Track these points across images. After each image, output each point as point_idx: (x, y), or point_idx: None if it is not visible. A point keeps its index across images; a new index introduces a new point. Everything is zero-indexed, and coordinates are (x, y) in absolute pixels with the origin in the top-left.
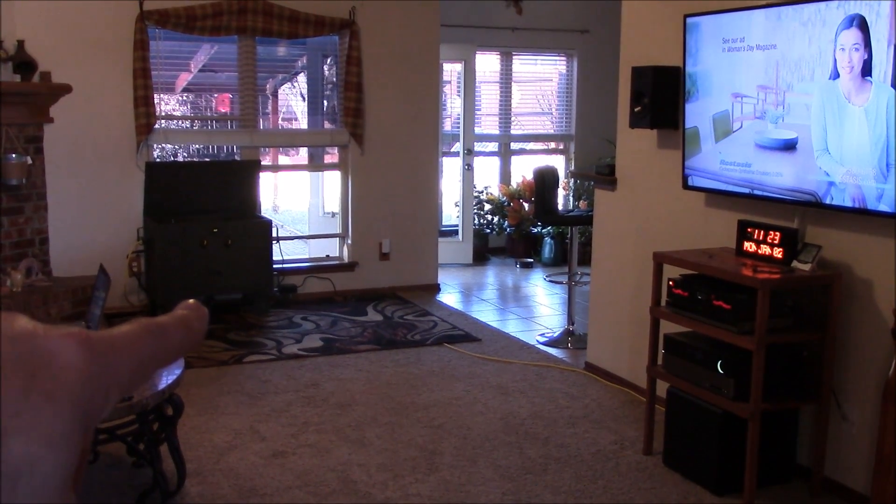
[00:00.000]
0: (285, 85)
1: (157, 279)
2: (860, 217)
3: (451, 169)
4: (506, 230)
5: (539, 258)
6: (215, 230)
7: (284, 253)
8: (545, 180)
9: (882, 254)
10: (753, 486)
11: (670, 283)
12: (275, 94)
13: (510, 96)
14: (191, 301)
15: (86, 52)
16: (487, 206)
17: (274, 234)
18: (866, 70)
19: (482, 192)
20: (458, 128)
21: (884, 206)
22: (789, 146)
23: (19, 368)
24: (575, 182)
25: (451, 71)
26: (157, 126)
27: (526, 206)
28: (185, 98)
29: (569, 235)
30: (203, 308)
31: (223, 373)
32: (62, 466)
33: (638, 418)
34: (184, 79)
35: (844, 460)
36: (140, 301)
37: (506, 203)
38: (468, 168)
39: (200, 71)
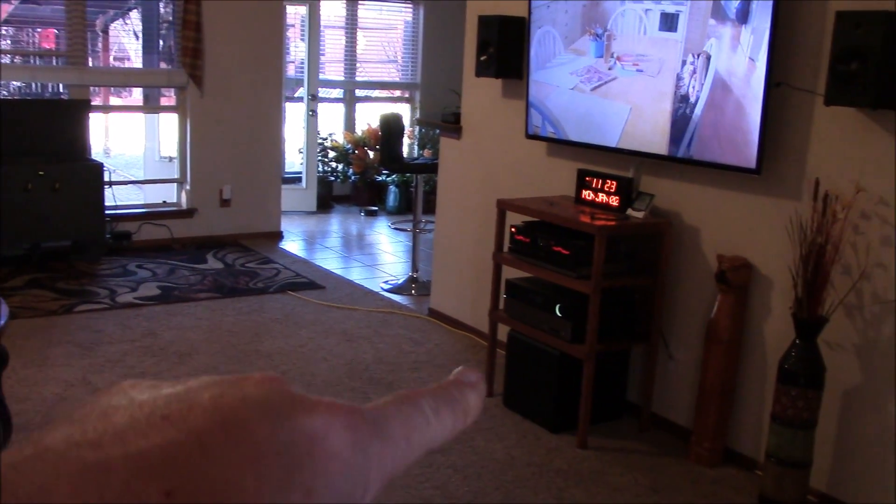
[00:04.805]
0: (117, 21)
1: None
2: (688, 168)
3: (294, 115)
4: (350, 178)
5: (384, 206)
6: (41, 173)
7: (118, 198)
8: (391, 128)
9: (708, 202)
10: (587, 424)
11: (512, 229)
12: (105, 31)
13: (355, 43)
14: (472, 374)
15: None
16: (332, 154)
17: (106, 179)
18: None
19: (326, 139)
20: (303, 73)
21: (706, 157)
22: (625, 97)
23: (279, 456)
24: (420, 130)
25: (296, 14)
26: None
27: (371, 153)
28: (4, 32)
29: (414, 183)
30: (483, 385)
31: (52, 323)
32: None
33: (480, 361)
34: (4, 10)
35: (670, 397)
36: None
37: (350, 150)
38: (312, 114)
39: (22, 2)
